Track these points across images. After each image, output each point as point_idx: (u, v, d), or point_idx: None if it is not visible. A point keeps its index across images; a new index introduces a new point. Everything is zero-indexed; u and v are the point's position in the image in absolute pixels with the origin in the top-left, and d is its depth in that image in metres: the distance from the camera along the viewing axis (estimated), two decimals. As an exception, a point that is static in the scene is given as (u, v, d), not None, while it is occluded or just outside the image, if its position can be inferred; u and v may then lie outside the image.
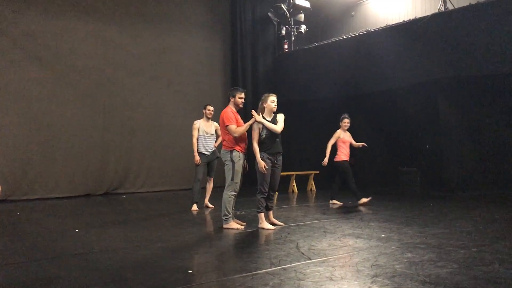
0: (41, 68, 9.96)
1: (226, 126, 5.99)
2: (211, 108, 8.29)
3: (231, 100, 6.25)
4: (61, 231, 6.03)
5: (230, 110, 6.14)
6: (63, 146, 10.17)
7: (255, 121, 5.96)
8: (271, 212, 6.25)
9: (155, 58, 11.64)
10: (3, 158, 9.35)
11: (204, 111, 8.31)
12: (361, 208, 8.06)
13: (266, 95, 6.20)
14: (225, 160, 6.03)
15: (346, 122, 8.58)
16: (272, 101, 6.07)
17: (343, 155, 8.51)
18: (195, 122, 8.31)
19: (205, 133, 8.19)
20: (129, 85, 11.19)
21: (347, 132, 8.69)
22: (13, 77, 9.58)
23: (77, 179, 10.31)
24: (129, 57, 11.19)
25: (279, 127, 6.01)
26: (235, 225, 6.01)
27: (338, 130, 8.60)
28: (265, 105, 6.11)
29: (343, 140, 8.54)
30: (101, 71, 10.77)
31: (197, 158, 8.07)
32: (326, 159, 8.50)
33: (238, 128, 6.00)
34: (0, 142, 9.38)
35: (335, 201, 8.72)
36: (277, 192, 6.26)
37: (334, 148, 8.62)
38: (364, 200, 8.30)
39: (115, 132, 10.95)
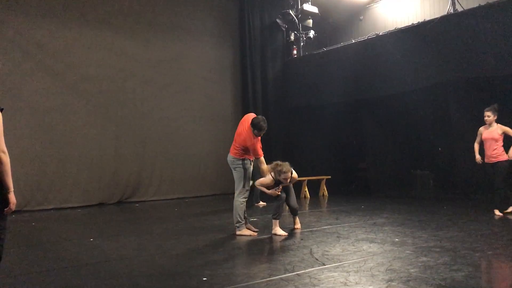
0: (53, 79, 10.07)
1: (259, 157, 5.99)
2: None
3: (252, 130, 5.99)
4: (76, 240, 6.08)
5: (257, 139, 6.05)
6: (76, 156, 10.26)
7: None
8: (296, 218, 6.46)
9: (165, 66, 11.71)
10: (17, 169, 9.45)
11: None
12: (377, 212, 7.99)
13: (282, 167, 5.94)
14: (236, 167, 6.05)
15: (485, 116, 7.20)
16: (284, 178, 5.93)
17: (486, 156, 7.26)
18: None
19: None
20: (140, 94, 11.27)
21: (493, 127, 7.18)
22: (25, 89, 9.69)
23: (90, 189, 10.38)
24: (140, 66, 11.28)
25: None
26: (247, 232, 6.03)
27: (481, 127, 7.39)
28: (278, 177, 5.95)
29: (484, 137, 7.26)
30: (113, 81, 10.87)
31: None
32: (477, 157, 7.36)
33: (263, 166, 6.02)
34: (13, 153, 9.43)
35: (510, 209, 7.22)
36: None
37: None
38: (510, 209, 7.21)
39: (127, 141, 11.02)
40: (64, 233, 6.75)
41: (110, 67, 10.82)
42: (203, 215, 8.50)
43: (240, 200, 6.01)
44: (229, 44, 13.08)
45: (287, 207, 6.44)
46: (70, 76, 10.29)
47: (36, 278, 4.13)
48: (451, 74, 9.52)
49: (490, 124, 7.21)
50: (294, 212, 6.38)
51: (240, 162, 6.01)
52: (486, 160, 7.26)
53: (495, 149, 7.09)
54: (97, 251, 5.26)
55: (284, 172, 5.88)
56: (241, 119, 13.26)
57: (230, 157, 6.16)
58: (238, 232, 6.01)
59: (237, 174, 6.07)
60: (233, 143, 6.22)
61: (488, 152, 7.19)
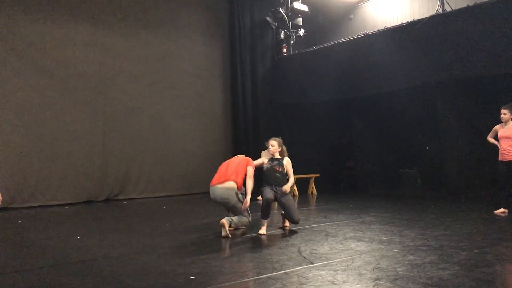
0: (41, 76, 9.96)
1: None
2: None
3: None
4: (63, 238, 6.03)
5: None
6: (64, 153, 10.16)
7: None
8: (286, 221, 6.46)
9: (154, 63, 11.65)
10: (4, 166, 9.35)
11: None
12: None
13: (271, 139, 6.46)
14: (237, 202, 6.06)
15: (501, 113, 7.15)
16: (271, 144, 6.36)
17: (500, 154, 7.16)
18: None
19: None
20: (128, 91, 11.20)
21: (509, 125, 7.11)
22: (13, 85, 9.58)
23: (78, 186, 10.30)
24: (128, 63, 11.20)
25: (292, 181, 6.36)
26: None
27: (497, 125, 7.30)
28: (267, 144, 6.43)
29: (499, 135, 7.18)
30: (101, 78, 10.78)
31: None
32: (492, 141, 7.34)
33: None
34: (0, 150, 9.38)
35: (501, 210, 7.19)
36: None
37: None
38: (500, 210, 7.18)
39: (115, 138, 10.95)
40: (51, 231, 6.69)
41: (98, 64, 10.74)
42: (191, 213, 8.48)
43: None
44: (219, 41, 13.05)
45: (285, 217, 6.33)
46: (58, 73, 10.19)
47: (22, 277, 4.08)
48: (439, 73, 9.59)
49: (506, 122, 7.14)
50: (294, 224, 6.24)
51: (238, 194, 6.04)
52: (500, 158, 7.15)
53: (510, 147, 7.02)
54: (84, 249, 5.22)
55: (269, 141, 6.36)
56: (230, 117, 13.31)
57: (229, 187, 5.98)
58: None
59: (238, 206, 6.04)
60: (227, 172, 6.08)
61: (503, 150, 7.10)
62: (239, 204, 6.02)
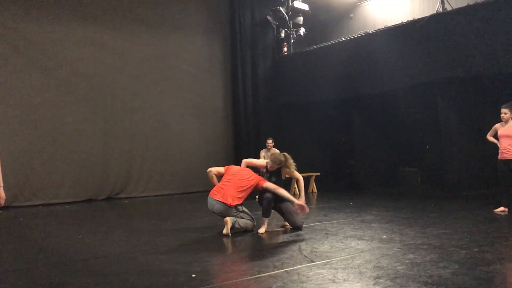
0: (42, 75, 9.99)
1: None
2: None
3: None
4: (64, 236, 6.05)
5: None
6: (65, 152, 10.20)
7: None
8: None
9: (155, 63, 11.66)
10: (6, 165, 9.35)
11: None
12: (367, 210, 8.04)
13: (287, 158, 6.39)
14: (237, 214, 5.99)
15: (501, 113, 7.11)
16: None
17: (500, 153, 7.13)
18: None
19: None
20: (129, 90, 11.22)
21: (509, 124, 7.08)
22: (14, 84, 9.62)
23: (79, 184, 10.33)
24: (129, 62, 11.22)
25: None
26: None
27: (497, 124, 7.27)
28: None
29: (499, 134, 7.15)
30: (102, 77, 10.80)
31: None
32: (491, 139, 7.34)
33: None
34: (2, 149, 9.38)
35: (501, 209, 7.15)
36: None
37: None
38: (500, 209, 7.13)
39: (117, 137, 10.98)
40: (53, 229, 6.72)
41: (99, 63, 10.76)
42: (192, 211, 8.50)
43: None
44: (219, 40, 13.05)
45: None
46: (59, 72, 10.23)
47: (24, 275, 4.11)
48: (440, 72, 9.58)
49: (506, 122, 7.11)
50: (297, 229, 6.15)
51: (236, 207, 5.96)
52: (500, 157, 7.15)
53: (510, 146, 6.99)
54: (86, 248, 5.24)
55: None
56: (231, 116, 13.30)
57: (228, 206, 5.83)
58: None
59: (237, 215, 5.96)
60: (226, 192, 5.90)
61: (503, 149, 7.06)
62: (239, 214, 5.96)
